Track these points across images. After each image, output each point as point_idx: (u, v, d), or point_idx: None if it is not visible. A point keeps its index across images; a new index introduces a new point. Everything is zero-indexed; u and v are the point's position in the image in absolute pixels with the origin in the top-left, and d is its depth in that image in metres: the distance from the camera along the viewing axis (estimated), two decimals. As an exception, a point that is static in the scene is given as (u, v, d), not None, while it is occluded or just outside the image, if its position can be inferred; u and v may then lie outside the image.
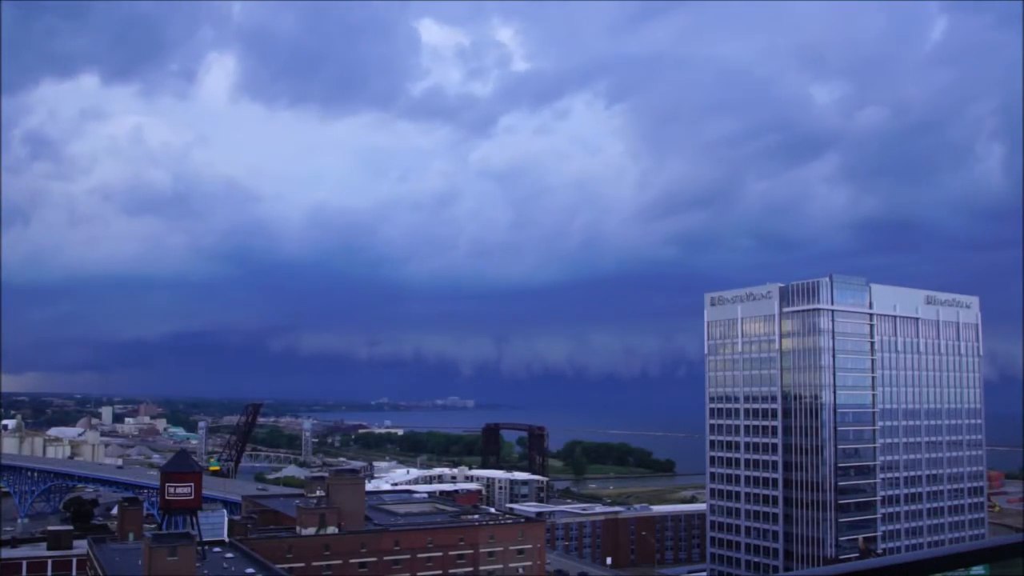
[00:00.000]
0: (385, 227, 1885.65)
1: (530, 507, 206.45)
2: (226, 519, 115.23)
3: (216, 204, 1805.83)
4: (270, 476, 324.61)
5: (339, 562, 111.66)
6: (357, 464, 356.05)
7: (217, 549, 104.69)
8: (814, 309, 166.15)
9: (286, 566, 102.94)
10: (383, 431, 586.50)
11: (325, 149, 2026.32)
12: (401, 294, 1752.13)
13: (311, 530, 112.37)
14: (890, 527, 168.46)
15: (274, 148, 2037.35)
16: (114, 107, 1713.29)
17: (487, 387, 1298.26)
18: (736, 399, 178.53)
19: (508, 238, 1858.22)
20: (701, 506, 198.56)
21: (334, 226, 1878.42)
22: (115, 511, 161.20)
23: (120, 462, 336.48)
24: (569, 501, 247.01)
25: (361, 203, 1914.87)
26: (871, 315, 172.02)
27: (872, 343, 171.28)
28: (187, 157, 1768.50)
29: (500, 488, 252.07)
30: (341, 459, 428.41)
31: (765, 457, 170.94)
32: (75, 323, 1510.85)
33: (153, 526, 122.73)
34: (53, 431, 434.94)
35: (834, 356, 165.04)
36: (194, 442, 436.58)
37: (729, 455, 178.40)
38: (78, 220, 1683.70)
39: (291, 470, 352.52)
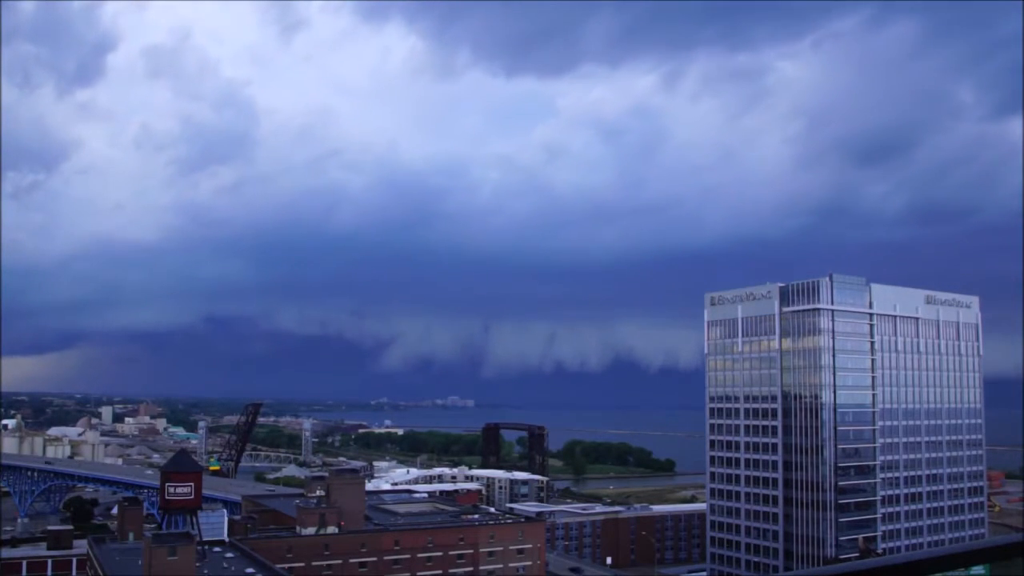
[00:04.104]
0: (456, 192, 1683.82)
1: (530, 507, 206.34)
2: (226, 519, 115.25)
3: (272, 165, 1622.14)
4: (270, 476, 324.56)
5: (339, 562, 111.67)
6: (357, 464, 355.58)
7: (217, 549, 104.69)
8: (814, 309, 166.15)
9: (286, 566, 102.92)
10: (383, 431, 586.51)
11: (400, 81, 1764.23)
12: (446, 272, 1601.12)
13: (311, 530, 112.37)
14: (890, 527, 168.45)
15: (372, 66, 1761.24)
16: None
17: (489, 386, 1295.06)
18: (736, 399, 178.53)
19: (610, 202, 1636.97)
20: (701, 506, 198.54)
21: (401, 187, 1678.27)
22: (115, 511, 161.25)
23: (120, 461, 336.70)
24: (569, 501, 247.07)
25: (433, 155, 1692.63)
26: (871, 315, 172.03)
27: (872, 343, 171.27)
28: (246, 95, 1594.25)
29: (500, 488, 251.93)
30: (341, 459, 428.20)
31: (765, 457, 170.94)
32: (72, 310, 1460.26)
33: (153, 526, 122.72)
34: (53, 431, 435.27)
35: (834, 356, 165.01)
36: (194, 442, 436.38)
37: (729, 455, 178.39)
38: (86, 178, 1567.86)
39: (291, 470, 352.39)
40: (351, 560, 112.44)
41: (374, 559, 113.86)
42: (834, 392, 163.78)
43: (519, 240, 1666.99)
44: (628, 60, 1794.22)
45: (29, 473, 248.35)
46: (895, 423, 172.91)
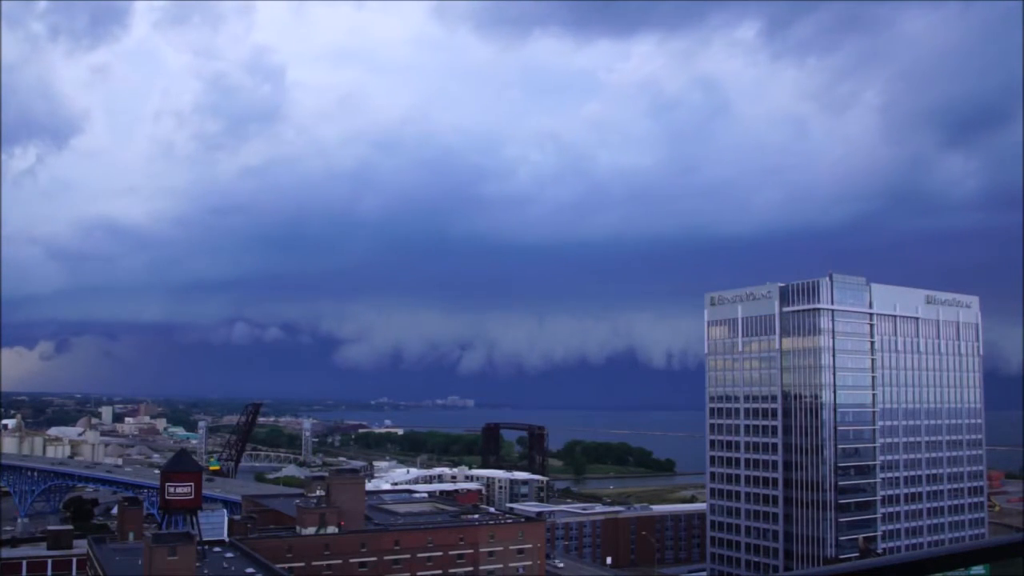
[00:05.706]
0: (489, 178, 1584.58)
1: (530, 507, 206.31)
2: (226, 519, 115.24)
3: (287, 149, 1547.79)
4: (270, 476, 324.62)
5: (339, 562, 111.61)
6: (357, 464, 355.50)
7: (217, 549, 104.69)
8: (814, 309, 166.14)
9: (286, 566, 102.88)
10: (383, 431, 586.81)
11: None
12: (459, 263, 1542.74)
13: (311, 530, 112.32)
14: (890, 527, 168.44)
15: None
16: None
17: (489, 386, 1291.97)
18: (736, 399, 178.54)
19: (661, 183, 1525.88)
20: (701, 506, 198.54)
21: (431, 170, 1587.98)
22: (115, 511, 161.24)
23: (120, 462, 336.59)
24: (569, 501, 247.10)
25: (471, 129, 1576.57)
26: (871, 315, 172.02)
27: (872, 343, 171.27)
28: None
29: (500, 488, 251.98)
30: (341, 459, 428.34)
31: (765, 457, 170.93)
32: (68, 305, 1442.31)
33: (153, 526, 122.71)
34: (53, 430, 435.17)
35: (834, 356, 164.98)
36: (194, 442, 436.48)
37: (729, 455, 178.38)
38: (92, 160, 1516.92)
39: (291, 470, 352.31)
40: (351, 560, 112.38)
41: (374, 559, 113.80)
42: (834, 392, 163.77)
43: (562, 227, 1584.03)
44: (719, 10, 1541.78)
45: (29, 473, 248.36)
46: (895, 423, 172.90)
